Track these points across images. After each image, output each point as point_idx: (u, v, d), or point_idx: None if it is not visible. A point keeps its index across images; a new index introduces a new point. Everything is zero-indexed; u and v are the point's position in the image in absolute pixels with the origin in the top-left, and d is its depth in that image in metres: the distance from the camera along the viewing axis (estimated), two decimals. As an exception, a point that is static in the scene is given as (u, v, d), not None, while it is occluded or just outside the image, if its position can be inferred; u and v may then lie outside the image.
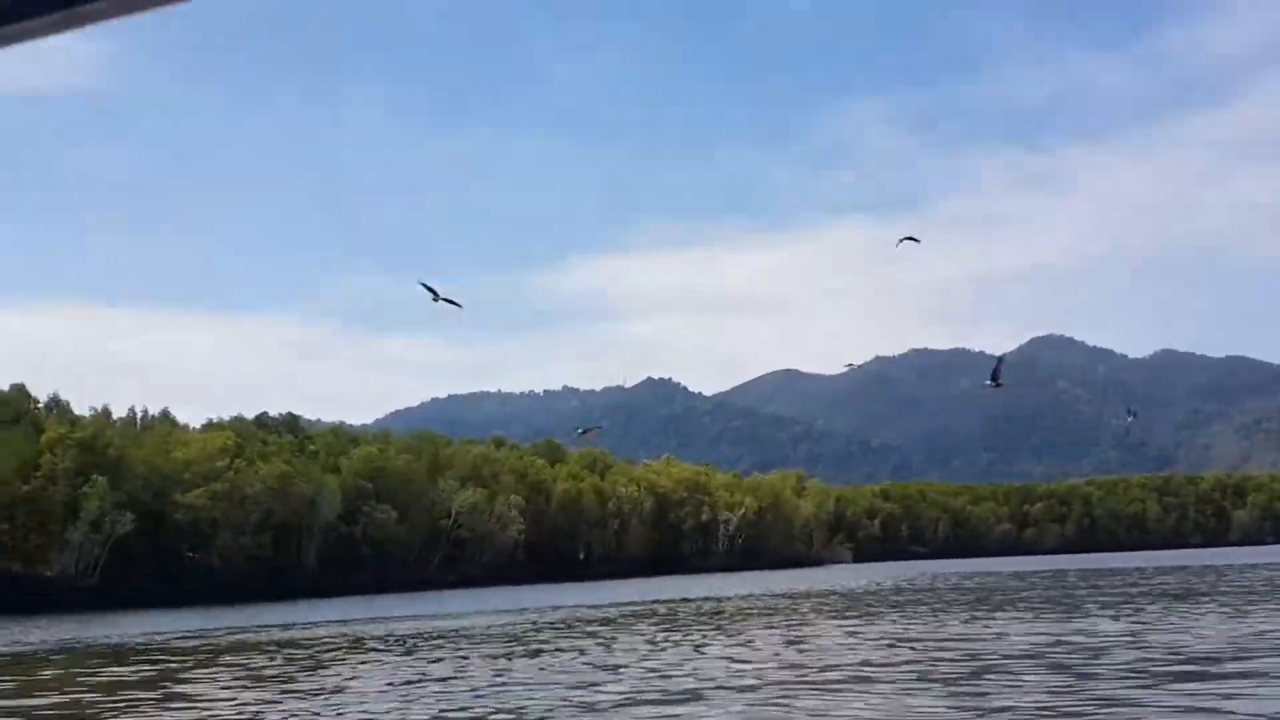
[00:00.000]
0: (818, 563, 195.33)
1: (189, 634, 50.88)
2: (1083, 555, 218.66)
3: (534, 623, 45.29)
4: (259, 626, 54.91)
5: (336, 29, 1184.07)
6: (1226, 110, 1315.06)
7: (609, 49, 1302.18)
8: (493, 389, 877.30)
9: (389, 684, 22.83)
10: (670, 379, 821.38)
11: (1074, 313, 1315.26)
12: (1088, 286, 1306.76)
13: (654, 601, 63.02)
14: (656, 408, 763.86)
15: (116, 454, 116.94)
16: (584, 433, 69.74)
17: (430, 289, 45.05)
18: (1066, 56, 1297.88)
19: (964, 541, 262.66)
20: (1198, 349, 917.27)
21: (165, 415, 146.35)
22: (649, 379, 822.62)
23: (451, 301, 46.29)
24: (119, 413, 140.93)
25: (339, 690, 22.44)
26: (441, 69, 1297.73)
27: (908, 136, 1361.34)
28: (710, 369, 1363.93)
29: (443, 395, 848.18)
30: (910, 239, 44.92)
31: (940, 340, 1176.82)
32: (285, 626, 54.38)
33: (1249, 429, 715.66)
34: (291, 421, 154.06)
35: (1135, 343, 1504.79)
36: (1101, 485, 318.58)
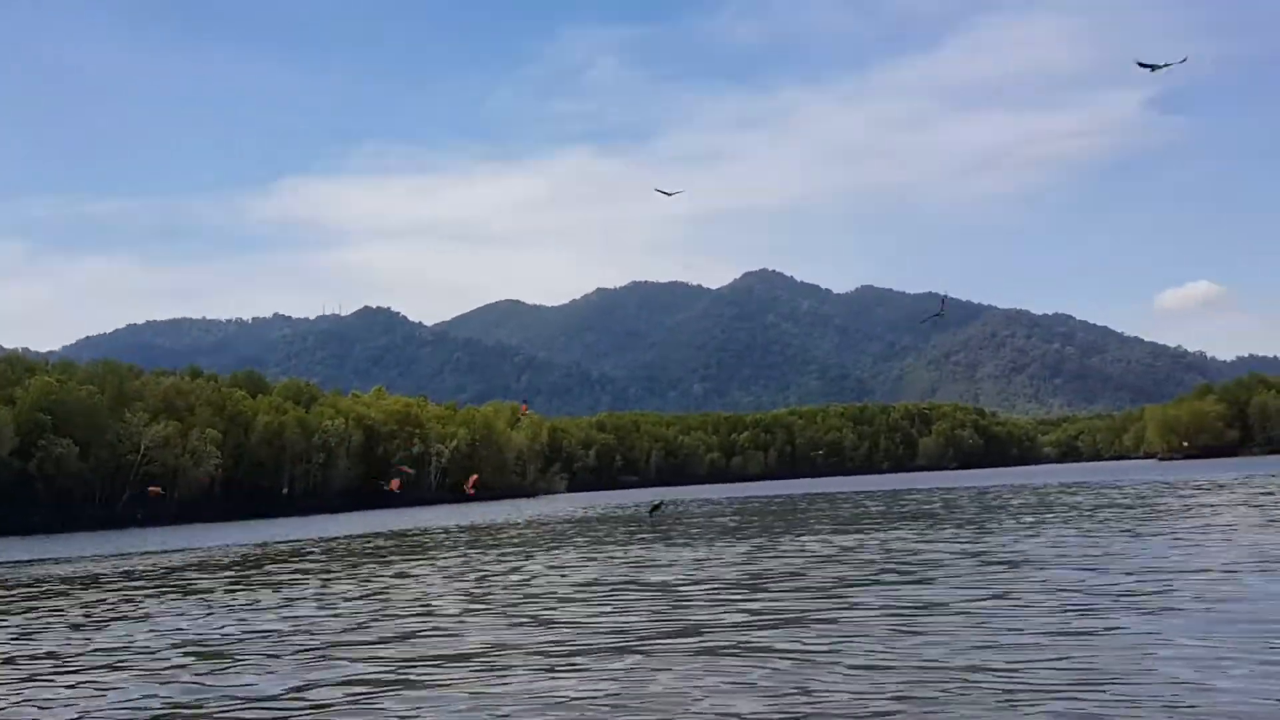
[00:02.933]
0: (532, 494, 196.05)
1: None
2: (784, 481, 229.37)
3: (187, 563, 42.37)
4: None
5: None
6: (929, 57, 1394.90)
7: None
8: (196, 315, 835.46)
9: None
10: (389, 308, 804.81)
11: (785, 249, 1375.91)
12: (798, 224, 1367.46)
13: (320, 539, 60.72)
14: (374, 337, 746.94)
15: None
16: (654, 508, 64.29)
17: None
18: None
19: (676, 470, 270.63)
20: (896, 285, 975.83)
21: None
22: (366, 307, 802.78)
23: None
24: None
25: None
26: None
27: (634, 70, 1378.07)
28: (431, 298, 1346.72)
29: (140, 321, 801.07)
30: (663, 191, 43.98)
31: (660, 273, 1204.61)
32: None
33: (939, 361, 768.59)
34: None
35: (840, 278, 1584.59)
36: (803, 414, 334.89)
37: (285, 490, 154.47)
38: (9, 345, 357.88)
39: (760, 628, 16.87)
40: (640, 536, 45.24)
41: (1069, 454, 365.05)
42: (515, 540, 49.20)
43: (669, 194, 46.06)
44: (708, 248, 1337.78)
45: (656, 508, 61.68)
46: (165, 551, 57.06)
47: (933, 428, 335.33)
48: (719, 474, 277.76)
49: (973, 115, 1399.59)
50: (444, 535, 58.54)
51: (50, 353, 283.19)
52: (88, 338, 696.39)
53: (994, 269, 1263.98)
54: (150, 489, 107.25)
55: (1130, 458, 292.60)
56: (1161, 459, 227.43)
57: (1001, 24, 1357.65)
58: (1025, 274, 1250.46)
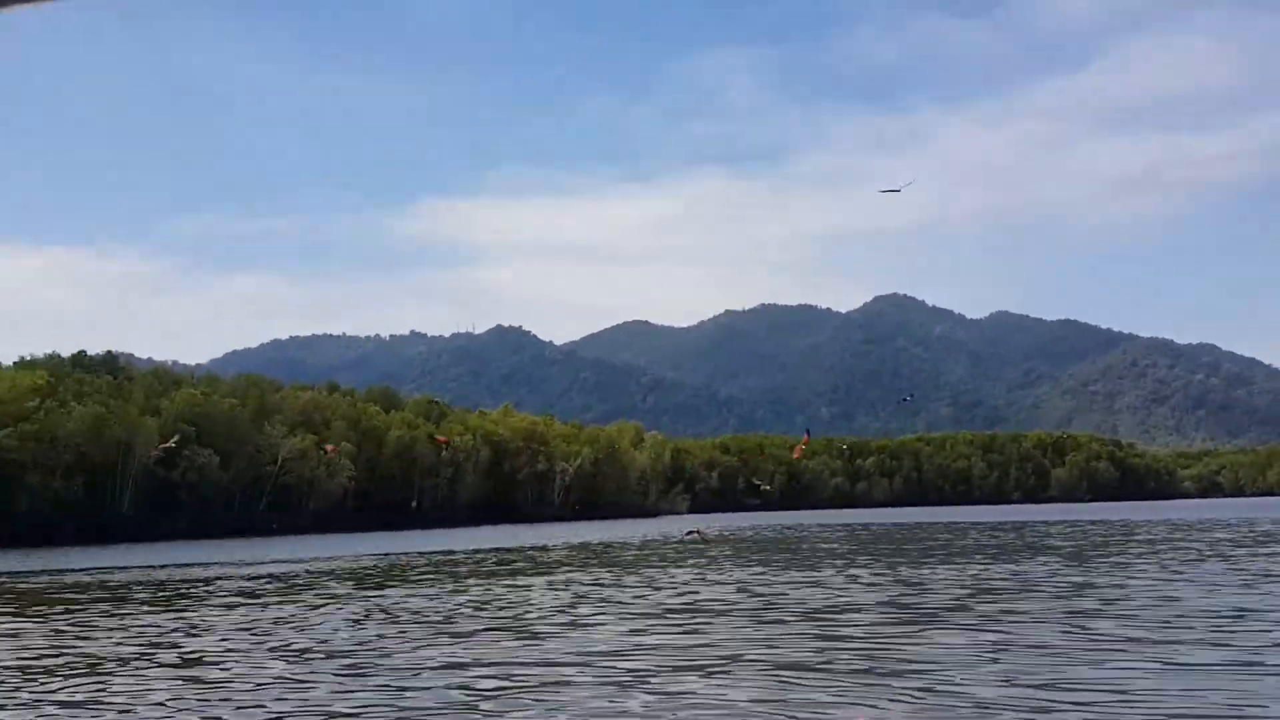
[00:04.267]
0: (654, 514, 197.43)
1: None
2: (909, 509, 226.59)
3: (329, 571, 44.61)
4: (56, 570, 52.84)
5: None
6: (1075, 78, 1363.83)
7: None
8: (337, 331, 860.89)
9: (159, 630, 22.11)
10: (520, 327, 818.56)
11: (917, 273, 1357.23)
12: (932, 248, 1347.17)
13: (472, 550, 62.84)
14: (505, 356, 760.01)
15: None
16: (690, 533, 69.97)
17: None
18: (925, 19, 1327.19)
19: (799, 494, 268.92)
20: (1032, 312, 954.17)
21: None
22: (499, 326, 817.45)
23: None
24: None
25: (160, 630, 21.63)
26: (304, 5, 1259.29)
27: (767, 91, 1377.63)
28: (562, 318, 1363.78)
29: (284, 337, 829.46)
30: (893, 190, 43.97)
31: (789, 296, 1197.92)
32: (92, 570, 52.53)
33: (1075, 391, 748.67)
34: (110, 361, 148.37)
35: (973, 304, 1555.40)
36: (931, 441, 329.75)
37: (415, 504, 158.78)
38: (159, 358, 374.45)
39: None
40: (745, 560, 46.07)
41: (1210, 489, 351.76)
42: (626, 560, 50.44)
43: (897, 190, 45.01)
44: (839, 270, 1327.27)
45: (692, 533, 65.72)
46: (291, 561, 59.76)
47: (1067, 458, 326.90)
48: (844, 499, 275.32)
49: (1117, 137, 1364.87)
50: (565, 552, 60.09)
51: (198, 366, 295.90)
52: (234, 352, 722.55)
53: (1136, 296, 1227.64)
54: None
55: (1275, 494, 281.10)
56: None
57: (1148, 44, 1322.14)
58: (1169, 301, 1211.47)
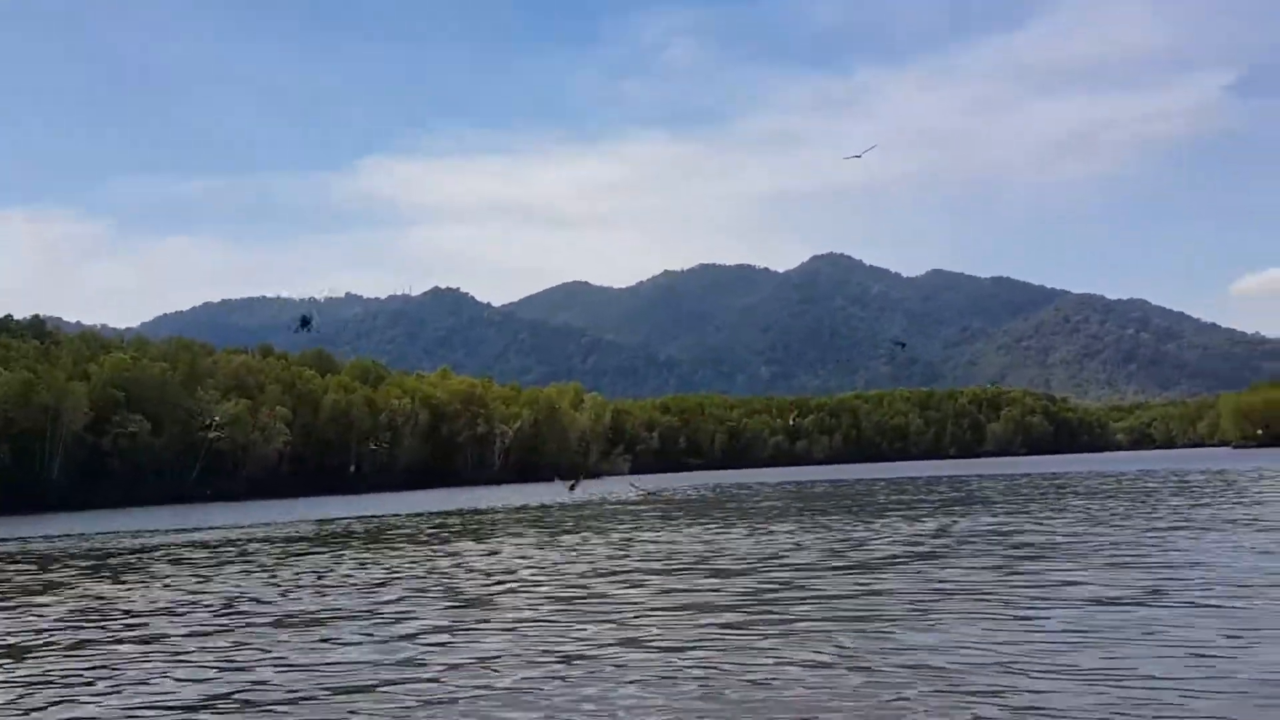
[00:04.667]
0: (595, 475, 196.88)
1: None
2: (849, 466, 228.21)
3: (268, 538, 43.45)
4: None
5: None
6: (1013, 39, 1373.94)
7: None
8: (271, 294, 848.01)
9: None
10: (458, 289, 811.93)
11: (855, 233, 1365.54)
12: (870, 208, 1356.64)
13: (408, 515, 61.80)
14: (443, 318, 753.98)
15: None
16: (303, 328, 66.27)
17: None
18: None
19: (739, 453, 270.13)
20: (968, 270, 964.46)
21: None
22: (435, 288, 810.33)
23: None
24: None
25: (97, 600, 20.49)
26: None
27: (709, 52, 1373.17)
28: (500, 280, 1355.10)
29: (216, 299, 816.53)
30: (855, 155, 42.81)
31: (728, 256, 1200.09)
32: (22, 539, 50.84)
33: (1010, 347, 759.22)
34: (37, 325, 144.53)
35: (910, 263, 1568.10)
36: (869, 399, 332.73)
37: (353, 468, 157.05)
38: (89, 322, 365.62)
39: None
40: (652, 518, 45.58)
41: (1141, 441, 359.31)
42: (564, 520, 49.80)
43: (859, 155, 43.82)
44: (777, 230, 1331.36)
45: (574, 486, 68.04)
46: (230, 527, 58.42)
47: (1001, 413, 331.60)
48: (784, 457, 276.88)
49: (1051, 98, 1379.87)
50: (503, 515, 59.32)
51: (128, 330, 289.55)
52: (165, 315, 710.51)
53: (1068, 253, 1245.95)
54: None
55: (1204, 445, 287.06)
56: (1235, 447, 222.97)
57: (1084, 5, 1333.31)
58: (1100, 259, 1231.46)
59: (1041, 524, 32.12)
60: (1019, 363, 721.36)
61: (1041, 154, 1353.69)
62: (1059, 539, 26.80)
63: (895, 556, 24.21)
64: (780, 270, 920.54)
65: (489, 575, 24.69)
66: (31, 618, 20.82)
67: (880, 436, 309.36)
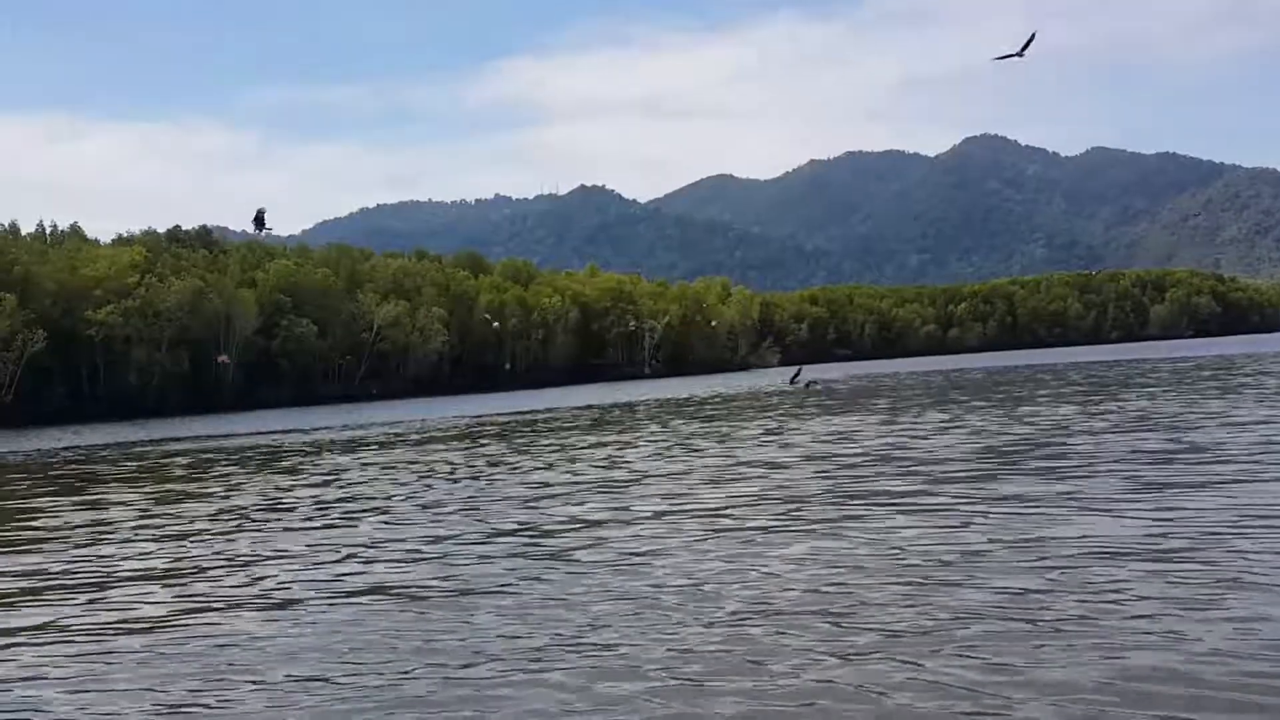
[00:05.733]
0: (744, 368, 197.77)
1: (101, 446, 50.66)
2: (1004, 353, 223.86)
3: (446, 430, 45.62)
4: (175, 438, 54.62)
5: None
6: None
7: None
8: (423, 198, 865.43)
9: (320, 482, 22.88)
10: (604, 186, 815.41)
11: (1006, 112, 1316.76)
12: (1020, 86, 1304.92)
13: (575, 408, 63.66)
14: (589, 215, 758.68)
15: (23, 271, 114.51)
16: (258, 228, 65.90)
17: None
18: None
19: (890, 343, 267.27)
20: (1129, 146, 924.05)
21: (75, 230, 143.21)
22: (581, 186, 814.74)
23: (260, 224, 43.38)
24: (27, 228, 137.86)
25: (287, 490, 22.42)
26: None
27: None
28: (644, 175, 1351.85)
29: (371, 205, 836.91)
30: (1012, 55, 41.07)
31: (874, 142, 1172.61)
32: (205, 438, 54.24)
33: (1176, 225, 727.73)
34: (205, 235, 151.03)
35: (1067, 141, 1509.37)
36: (1024, 284, 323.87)
37: (508, 365, 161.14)
38: (251, 231, 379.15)
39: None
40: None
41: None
42: (719, 413, 50.63)
43: (1020, 54, 41.01)
44: (925, 114, 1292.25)
45: (795, 378, 65.90)
46: (391, 423, 61.04)
47: (1166, 295, 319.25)
48: (936, 346, 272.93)
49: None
50: (656, 407, 60.52)
51: (290, 237, 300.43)
52: (323, 222, 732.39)
53: (1236, 126, 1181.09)
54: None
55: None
56: None
57: None
58: (1272, 130, 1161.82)
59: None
60: (1186, 242, 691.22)
61: (1203, 24, 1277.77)
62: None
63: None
64: (930, 154, 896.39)
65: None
66: (216, 507, 22.56)
67: (1037, 322, 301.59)
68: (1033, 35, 41.27)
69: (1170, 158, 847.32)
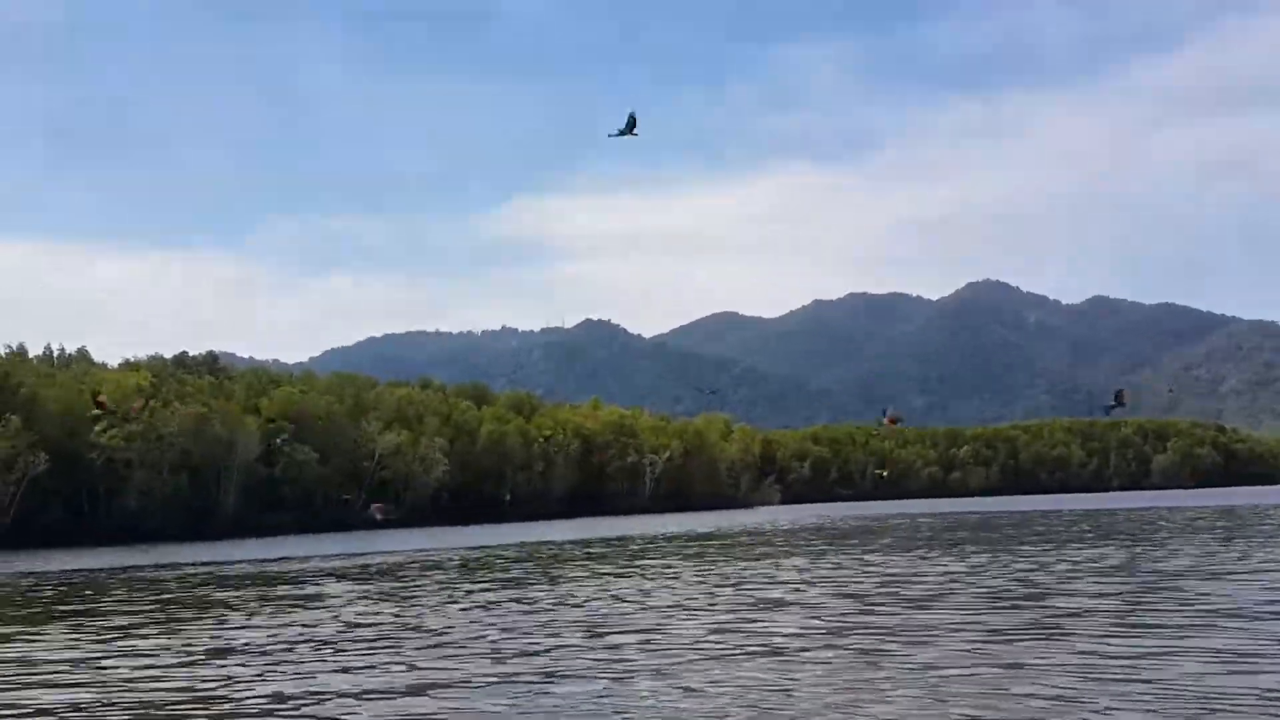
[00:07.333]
0: (746, 505, 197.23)
1: (95, 570, 50.61)
2: (1006, 498, 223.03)
3: (437, 562, 45.64)
4: (171, 565, 54.57)
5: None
6: (1168, 60, 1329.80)
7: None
8: (431, 329, 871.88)
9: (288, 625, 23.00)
10: (609, 320, 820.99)
11: (1009, 259, 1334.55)
12: (1024, 233, 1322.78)
13: (570, 542, 63.63)
14: (595, 349, 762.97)
15: (29, 393, 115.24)
16: (709, 392, 66.05)
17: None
18: (1011, 3, 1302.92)
19: (892, 484, 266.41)
20: (1129, 295, 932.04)
21: (82, 354, 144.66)
22: (588, 320, 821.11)
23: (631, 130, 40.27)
24: (34, 350, 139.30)
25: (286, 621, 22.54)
26: (391, 10, 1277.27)
27: (850, 80, 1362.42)
28: (650, 311, 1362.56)
29: (379, 334, 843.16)
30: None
31: (878, 284, 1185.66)
32: (201, 564, 54.15)
33: (1178, 375, 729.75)
34: (211, 361, 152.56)
35: (1068, 289, 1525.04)
36: (1027, 429, 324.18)
37: (508, 497, 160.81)
38: (261, 357, 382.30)
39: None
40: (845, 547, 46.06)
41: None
42: (724, 549, 50.72)
43: (628, 133, 40.46)
44: (928, 258, 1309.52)
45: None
46: (391, 551, 61.02)
47: (1168, 445, 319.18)
48: (938, 489, 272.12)
49: (1211, 119, 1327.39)
50: (663, 542, 60.54)
51: (299, 364, 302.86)
52: (332, 349, 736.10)
53: (1236, 277, 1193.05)
54: (375, 506, 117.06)
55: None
56: None
57: (1242, 25, 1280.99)
58: (1272, 283, 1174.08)
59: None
60: (1188, 393, 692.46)
61: (1204, 176, 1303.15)
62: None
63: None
64: (933, 298, 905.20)
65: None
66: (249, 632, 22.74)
67: (1039, 468, 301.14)
68: (633, 128, 40.19)
69: (1169, 308, 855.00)
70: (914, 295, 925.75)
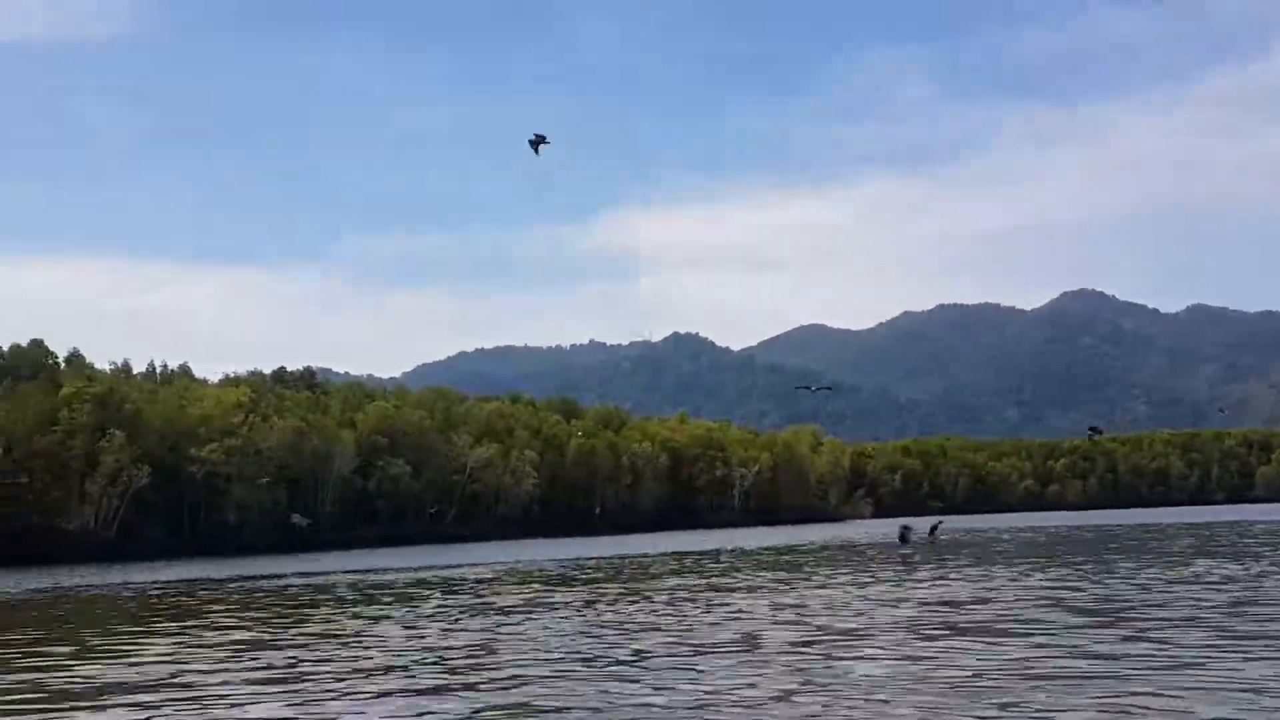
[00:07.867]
0: (836, 518, 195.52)
1: (196, 581, 51.95)
2: (1105, 511, 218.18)
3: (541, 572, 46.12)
4: (269, 575, 55.78)
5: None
6: (1256, 62, 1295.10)
7: (629, 4, 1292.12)
8: (520, 344, 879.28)
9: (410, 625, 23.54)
10: (697, 334, 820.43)
11: (1105, 267, 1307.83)
12: (1118, 241, 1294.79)
13: (661, 554, 63.72)
14: (683, 362, 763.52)
15: (134, 409, 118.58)
16: (815, 390, 68.32)
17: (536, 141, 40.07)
18: (1093, 8, 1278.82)
19: (986, 497, 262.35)
20: (1231, 304, 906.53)
21: (184, 370, 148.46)
22: (675, 333, 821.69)
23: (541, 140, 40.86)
24: (139, 367, 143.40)
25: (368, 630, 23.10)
26: (466, 30, 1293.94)
27: (932, 88, 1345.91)
28: (738, 323, 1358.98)
29: (470, 349, 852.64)
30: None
31: (968, 295, 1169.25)
32: (299, 575, 55.22)
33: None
34: (308, 377, 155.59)
35: (1167, 298, 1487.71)
36: (1126, 441, 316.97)
37: (598, 509, 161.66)
38: (355, 373, 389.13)
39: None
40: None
41: None
42: (819, 562, 50.37)
43: (540, 143, 40.17)
44: (1019, 267, 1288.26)
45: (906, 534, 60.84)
46: (480, 564, 61.54)
47: (1273, 456, 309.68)
48: (1034, 502, 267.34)
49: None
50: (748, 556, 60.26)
51: (391, 379, 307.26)
52: (423, 365, 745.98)
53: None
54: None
55: None
56: None
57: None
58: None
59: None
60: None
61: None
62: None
63: None
64: (1026, 308, 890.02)
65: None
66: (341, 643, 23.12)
67: (1139, 480, 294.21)
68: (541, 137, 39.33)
69: (1273, 316, 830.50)
70: (1006, 305, 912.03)
